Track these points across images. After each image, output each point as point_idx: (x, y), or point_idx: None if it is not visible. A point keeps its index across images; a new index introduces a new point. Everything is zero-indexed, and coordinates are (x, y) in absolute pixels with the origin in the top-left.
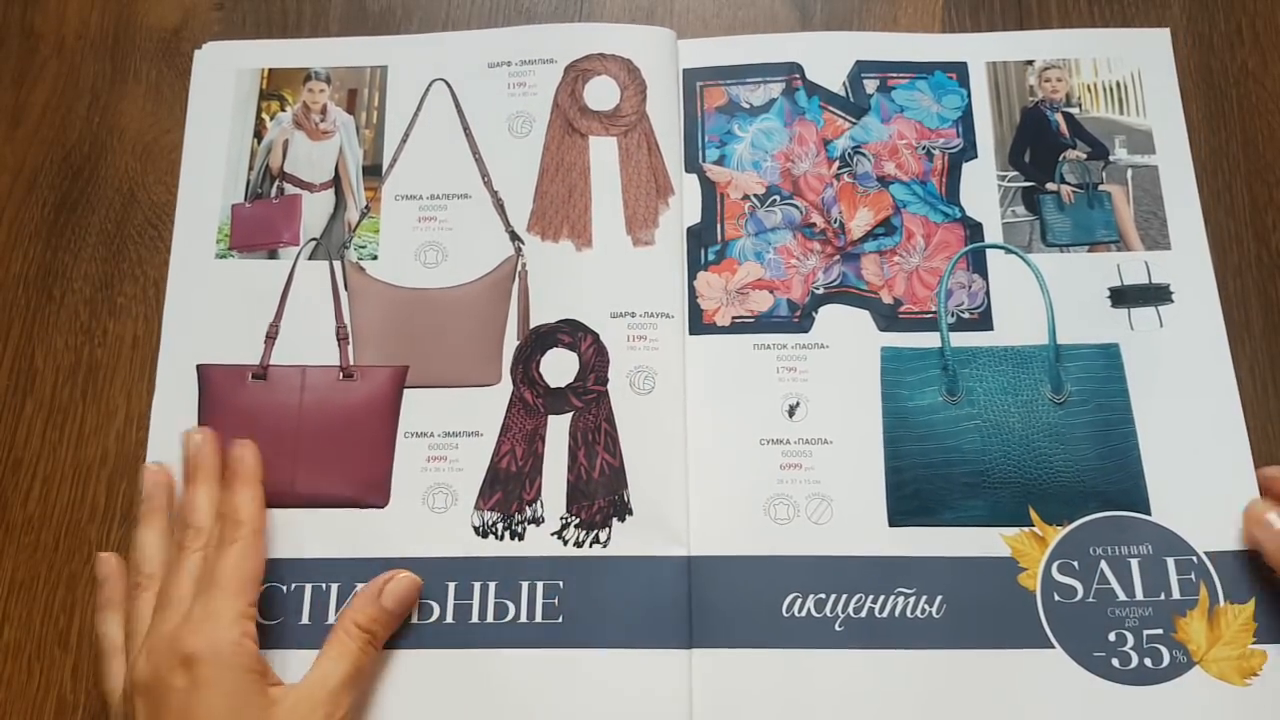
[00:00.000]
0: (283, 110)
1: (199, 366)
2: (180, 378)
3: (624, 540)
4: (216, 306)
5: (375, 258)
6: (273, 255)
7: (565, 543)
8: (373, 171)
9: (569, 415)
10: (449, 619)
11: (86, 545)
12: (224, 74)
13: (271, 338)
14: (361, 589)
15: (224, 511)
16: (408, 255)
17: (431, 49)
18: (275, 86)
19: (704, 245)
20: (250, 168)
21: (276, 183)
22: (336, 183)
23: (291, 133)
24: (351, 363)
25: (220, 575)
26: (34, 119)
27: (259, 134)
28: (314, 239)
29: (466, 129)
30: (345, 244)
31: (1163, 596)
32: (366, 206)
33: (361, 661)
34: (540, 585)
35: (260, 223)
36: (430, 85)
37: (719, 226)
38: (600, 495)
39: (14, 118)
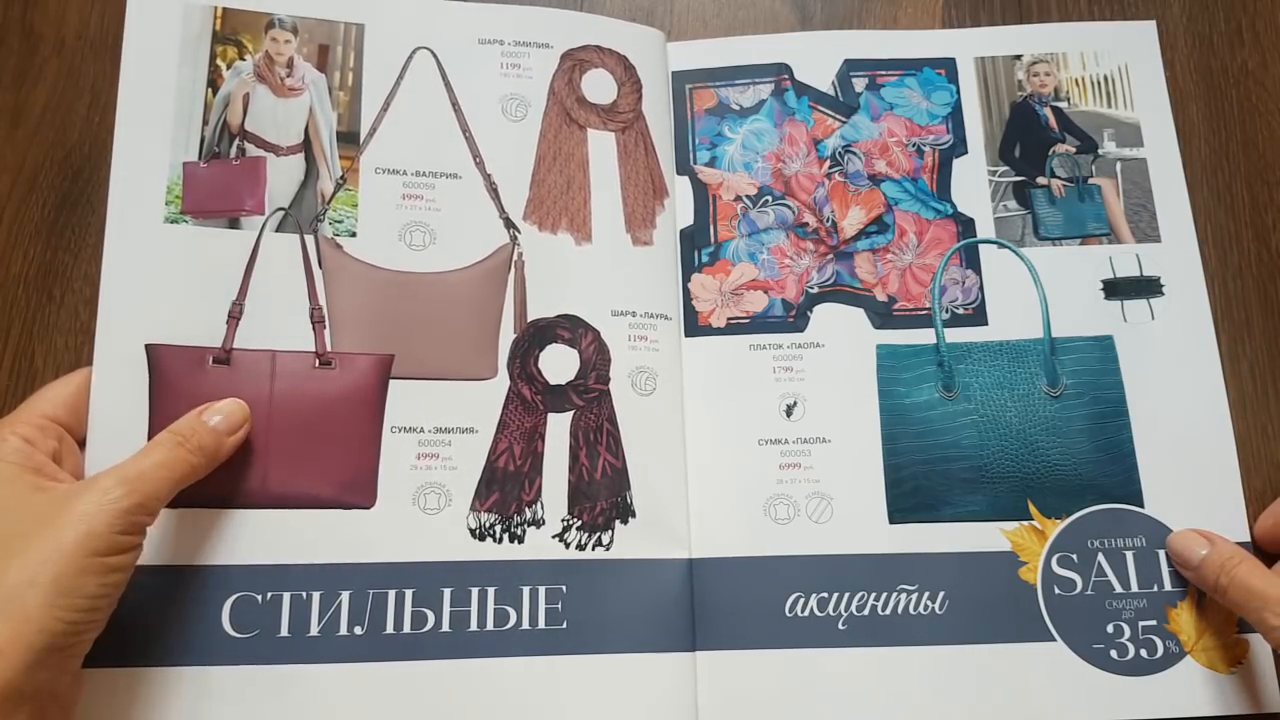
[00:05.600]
0: (241, 59)
1: (148, 346)
2: (125, 359)
3: (627, 543)
4: (167, 278)
5: (354, 235)
6: (234, 224)
7: (567, 546)
8: (348, 139)
9: (569, 414)
10: (445, 627)
11: None
12: (169, 7)
13: (235, 317)
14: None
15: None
16: (391, 235)
17: (415, 13)
18: (232, 30)
19: (697, 247)
20: (205, 122)
21: (236, 142)
22: (307, 147)
23: (253, 86)
24: (329, 348)
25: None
26: (34, 119)
27: (214, 84)
28: (282, 209)
29: (456, 105)
30: (319, 217)
31: (1155, 588)
32: (342, 177)
33: (171, 458)
34: (542, 590)
35: (218, 186)
36: (414, 53)
37: (712, 228)
38: (603, 497)
39: (14, 118)
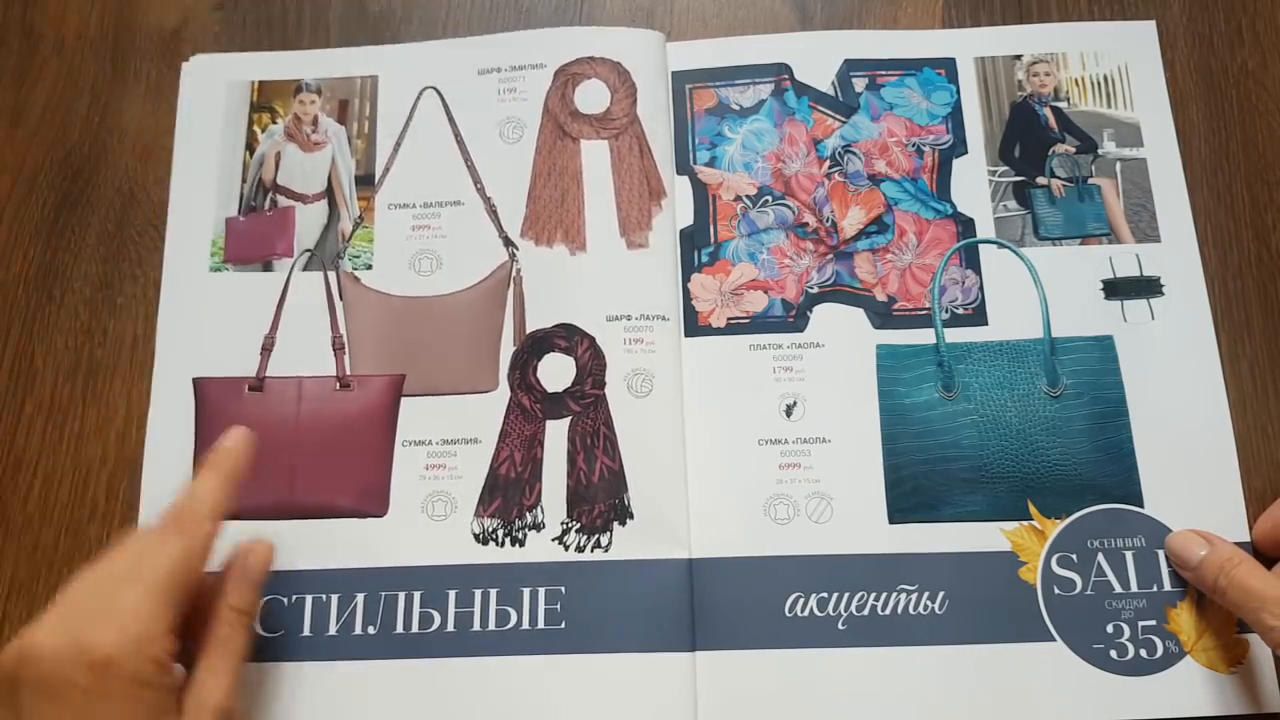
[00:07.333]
0: (274, 122)
1: (194, 380)
2: (177, 390)
3: (625, 544)
4: (212, 319)
5: (370, 267)
6: (267, 267)
7: (566, 548)
8: (365, 181)
9: (567, 420)
10: (450, 627)
11: (86, 545)
12: (214, 86)
13: (267, 349)
14: (227, 569)
15: (191, 496)
16: (402, 264)
17: (421, 57)
18: (266, 99)
19: (697, 247)
20: (243, 180)
21: (270, 195)
22: (330, 193)
23: (284, 145)
24: (348, 372)
25: (159, 570)
26: (34, 119)
27: (250, 147)
28: (308, 250)
29: (458, 136)
30: (340, 254)
31: (1155, 588)
32: (360, 216)
33: (245, 646)
34: (542, 591)
35: (254, 235)
36: (421, 93)
37: (711, 228)
38: (600, 499)
39: (14, 118)
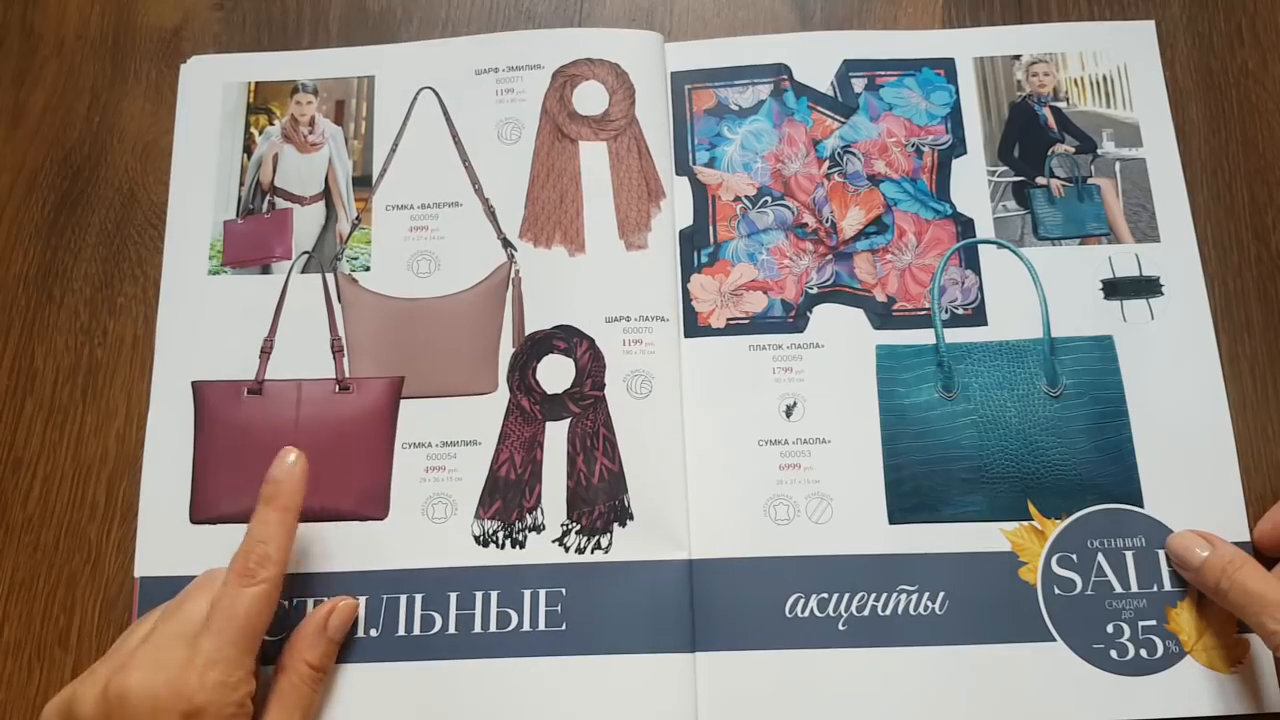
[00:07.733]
0: (271, 124)
1: (193, 384)
2: (177, 392)
3: (625, 545)
4: (210, 323)
5: (368, 269)
6: (265, 270)
7: (567, 549)
8: (363, 182)
9: (567, 421)
10: (451, 629)
11: (86, 545)
12: (211, 88)
13: (266, 352)
14: (304, 623)
15: (254, 539)
16: (400, 265)
17: (418, 57)
18: (263, 100)
19: (696, 248)
20: (241, 183)
21: (268, 198)
22: (327, 195)
23: (280, 146)
24: (347, 374)
25: (236, 618)
26: (34, 119)
27: (248, 149)
28: (306, 252)
29: (455, 137)
30: (337, 256)
31: (1155, 588)
32: (357, 217)
33: (315, 703)
34: (543, 593)
35: (253, 238)
36: (418, 94)
37: (711, 229)
38: (600, 501)
39: (14, 118)
